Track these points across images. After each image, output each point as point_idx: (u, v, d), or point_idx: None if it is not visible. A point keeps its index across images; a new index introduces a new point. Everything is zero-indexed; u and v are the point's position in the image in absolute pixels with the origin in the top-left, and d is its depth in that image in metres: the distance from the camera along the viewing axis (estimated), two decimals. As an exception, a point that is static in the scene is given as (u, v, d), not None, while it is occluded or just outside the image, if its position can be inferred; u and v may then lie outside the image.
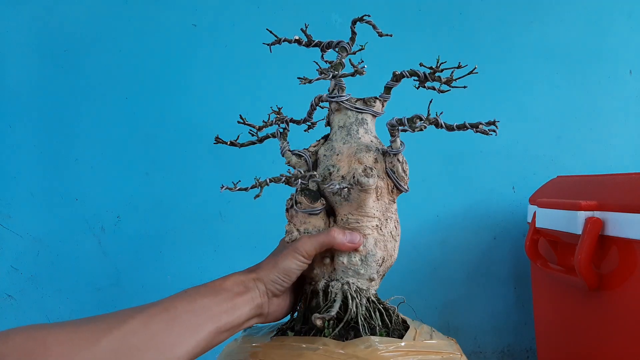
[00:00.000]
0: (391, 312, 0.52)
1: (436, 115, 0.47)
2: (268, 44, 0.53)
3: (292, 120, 0.58)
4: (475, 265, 1.04)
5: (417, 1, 1.02)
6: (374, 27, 0.52)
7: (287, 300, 0.50)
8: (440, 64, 0.47)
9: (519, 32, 1.05)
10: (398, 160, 0.50)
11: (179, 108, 0.95)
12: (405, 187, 0.51)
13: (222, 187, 0.47)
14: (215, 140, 0.57)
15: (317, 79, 0.49)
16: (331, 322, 0.48)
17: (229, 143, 0.57)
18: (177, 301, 0.42)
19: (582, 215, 0.67)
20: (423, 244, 1.02)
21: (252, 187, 0.47)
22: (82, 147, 0.93)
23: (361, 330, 0.48)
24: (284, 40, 0.53)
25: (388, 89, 0.53)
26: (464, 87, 0.47)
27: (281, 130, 0.56)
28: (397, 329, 0.50)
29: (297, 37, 0.53)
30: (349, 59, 0.53)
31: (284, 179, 0.47)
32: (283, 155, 0.55)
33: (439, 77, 0.47)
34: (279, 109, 0.57)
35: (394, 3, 1.01)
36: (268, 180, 0.47)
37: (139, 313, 0.40)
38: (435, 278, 1.02)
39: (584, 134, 1.07)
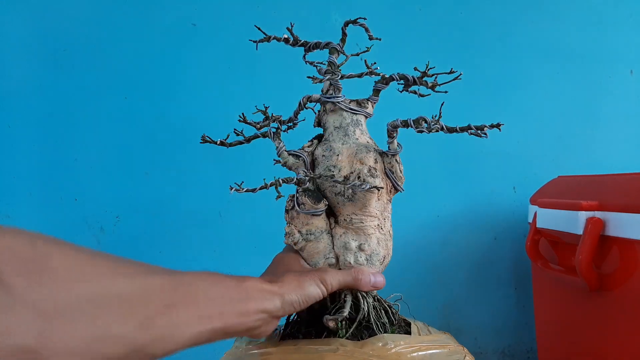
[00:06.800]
0: (393, 309, 0.53)
1: (434, 117, 0.47)
2: (255, 41, 0.53)
3: (281, 121, 0.57)
4: (475, 266, 1.04)
5: (418, 1, 1.02)
6: (367, 30, 0.52)
7: (276, 325, 0.44)
8: (429, 69, 0.48)
9: (520, 32, 1.05)
10: (396, 161, 0.51)
11: (178, 108, 0.95)
12: (402, 187, 0.52)
13: (231, 189, 0.45)
14: (202, 139, 0.55)
15: (327, 79, 0.50)
16: (343, 322, 0.48)
17: (218, 143, 0.55)
18: (199, 280, 0.36)
19: (583, 215, 0.66)
20: (423, 244, 1.01)
21: (260, 188, 0.46)
22: (81, 147, 0.92)
23: (375, 328, 0.48)
24: (274, 38, 0.52)
25: (377, 91, 0.54)
26: (445, 92, 0.48)
27: (274, 130, 0.55)
28: (401, 326, 0.52)
29: (285, 36, 0.52)
30: (365, 60, 0.53)
31: (295, 179, 0.47)
32: (279, 156, 0.54)
33: (425, 81, 0.48)
34: (266, 108, 0.55)
35: (394, 3, 1.01)
36: (281, 181, 0.45)
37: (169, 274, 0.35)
38: (436, 278, 1.02)
39: (584, 133, 1.07)
